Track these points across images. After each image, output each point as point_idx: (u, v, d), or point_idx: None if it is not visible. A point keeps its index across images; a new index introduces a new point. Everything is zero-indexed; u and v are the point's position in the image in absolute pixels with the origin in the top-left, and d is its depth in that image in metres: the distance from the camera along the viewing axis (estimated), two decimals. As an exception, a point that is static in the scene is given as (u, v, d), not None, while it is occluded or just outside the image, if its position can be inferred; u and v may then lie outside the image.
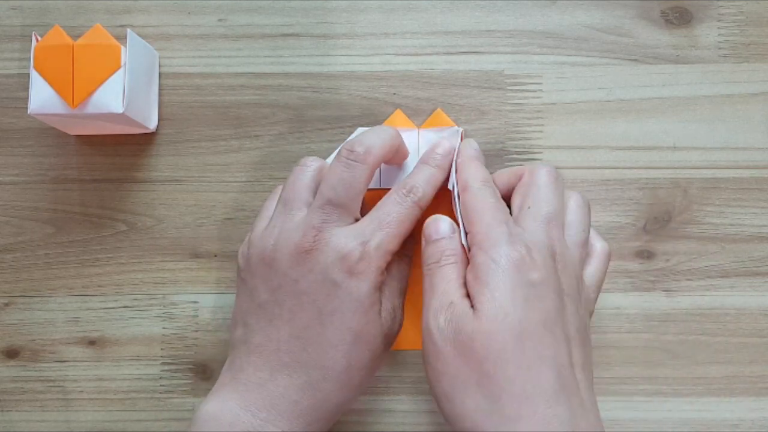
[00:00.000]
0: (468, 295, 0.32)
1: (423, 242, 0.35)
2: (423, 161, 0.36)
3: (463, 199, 0.34)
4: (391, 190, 0.35)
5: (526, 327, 0.30)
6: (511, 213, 0.34)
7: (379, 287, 0.34)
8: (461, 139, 0.37)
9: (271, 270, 0.33)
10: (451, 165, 0.36)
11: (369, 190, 0.38)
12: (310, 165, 0.35)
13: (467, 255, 0.33)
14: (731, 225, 0.40)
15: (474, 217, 0.33)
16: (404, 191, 0.34)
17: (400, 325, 0.35)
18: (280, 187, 0.37)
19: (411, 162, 0.38)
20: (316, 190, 0.35)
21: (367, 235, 0.33)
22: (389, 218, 0.34)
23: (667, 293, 0.39)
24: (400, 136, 0.37)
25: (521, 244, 0.31)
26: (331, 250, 0.33)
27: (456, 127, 0.39)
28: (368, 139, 0.34)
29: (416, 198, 0.34)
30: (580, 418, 0.30)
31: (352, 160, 0.34)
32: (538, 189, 0.34)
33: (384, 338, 0.34)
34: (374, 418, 0.39)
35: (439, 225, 0.34)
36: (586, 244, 0.34)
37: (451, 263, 0.33)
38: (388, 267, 0.35)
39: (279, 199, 0.35)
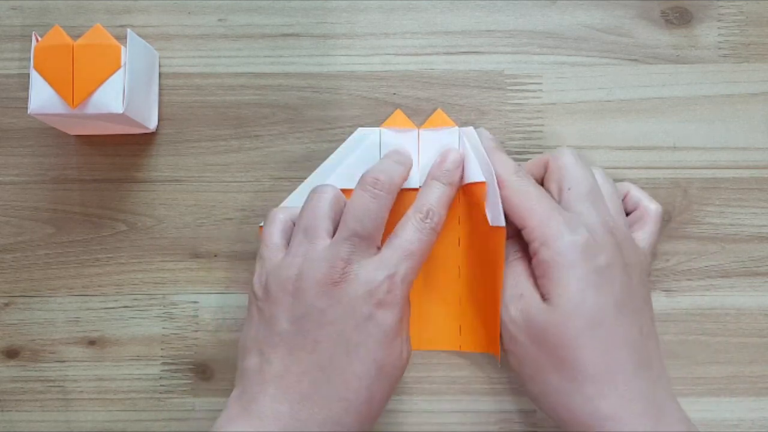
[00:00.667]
0: (537, 284, 0.34)
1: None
2: (434, 177, 0.37)
3: (504, 196, 0.35)
4: (407, 213, 0.35)
5: (598, 314, 0.32)
6: None
7: (404, 317, 0.34)
8: (466, 136, 0.38)
9: (294, 300, 0.33)
10: (461, 175, 0.37)
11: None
12: (327, 193, 0.35)
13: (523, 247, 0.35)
14: (731, 225, 0.40)
15: (524, 213, 0.34)
16: (421, 216, 0.35)
17: (410, 353, 0.35)
18: (275, 212, 0.36)
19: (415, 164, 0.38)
20: (334, 218, 0.34)
21: (393, 266, 0.33)
22: (413, 247, 0.34)
23: (667, 293, 0.39)
24: (411, 159, 0.38)
25: (581, 229, 0.32)
26: (360, 284, 0.32)
27: (455, 126, 0.39)
28: (390, 168, 0.35)
29: (434, 224, 0.35)
30: (658, 387, 0.32)
31: (378, 190, 0.34)
32: (570, 170, 0.35)
33: (401, 370, 0.34)
34: (374, 418, 0.39)
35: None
36: (623, 211, 0.36)
37: (516, 258, 0.36)
38: None
39: (298, 227, 0.35)
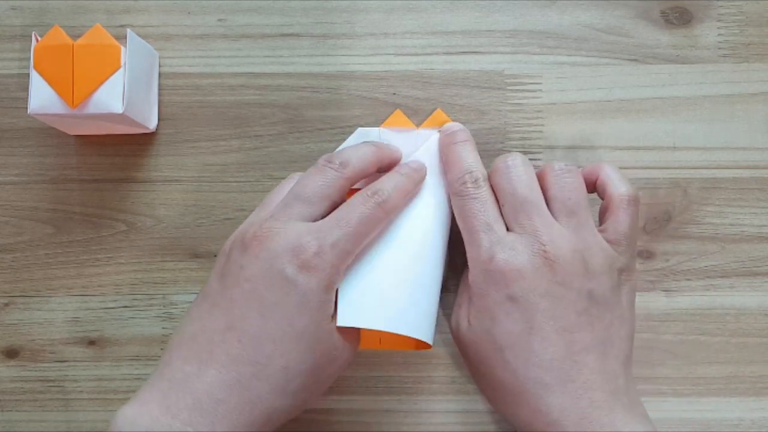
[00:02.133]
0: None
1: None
2: (394, 169, 0.36)
3: (452, 204, 0.35)
4: (356, 193, 0.34)
5: (508, 339, 0.32)
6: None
7: (332, 289, 0.32)
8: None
9: (226, 258, 0.33)
10: (422, 178, 0.36)
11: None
12: (294, 179, 0.35)
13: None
14: (731, 225, 0.40)
15: (460, 226, 0.34)
16: (369, 193, 0.33)
17: (356, 346, 0.34)
18: (289, 178, 0.36)
19: (405, 162, 0.38)
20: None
21: (325, 231, 0.32)
22: (350, 217, 0.32)
23: (667, 293, 0.39)
24: (384, 151, 0.36)
25: (500, 257, 0.32)
26: (282, 239, 0.31)
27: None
28: (346, 154, 0.34)
29: (380, 199, 0.33)
30: (581, 399, 0.31)
31: (328, 167, 0.33)
32: (499, 185, 0.34)
33: (333, 349, 0.32)
34: (374, 418, 0.39)
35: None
36: (580, 209, 0.33)
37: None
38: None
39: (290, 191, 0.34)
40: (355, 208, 0.33)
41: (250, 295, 0.31)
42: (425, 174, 0.36)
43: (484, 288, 0.32)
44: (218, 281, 0.32)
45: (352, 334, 0.34)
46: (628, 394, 0.32)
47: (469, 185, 0.34)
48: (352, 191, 0.36)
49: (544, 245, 0.32)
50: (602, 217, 0.36)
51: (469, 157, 0.35)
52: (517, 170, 0.34)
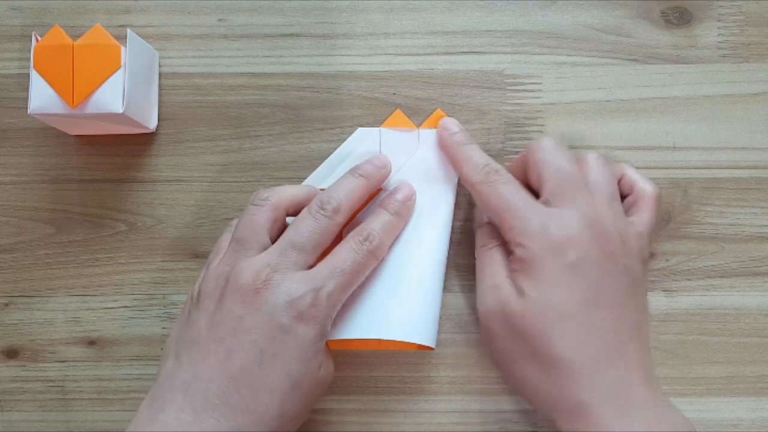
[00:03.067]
0: (511, 279, 0.34)
1: (474, 226, 0.38)
2: (382, 206, 0.36)
3: (477, 197, 0.35)
4: (348, 236, 0.35)
5: (568, 308, 0.32)
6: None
7: (325, 336, 0.33)
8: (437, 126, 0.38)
9: (217, 306, 0.32)
10: (411, 211, 0.37)
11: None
12: (265, 204, 0.34)
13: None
14: (731, 225, 0.40)
15: (496, 214, 0.34)
16: (361, 238, 0.34)
17: (331, 374, 0.35)
18: (235, 221, 0.36)
19: (405, 162, 0.38)
20: (272, 232, 0.34)
21: (320, 282, 0.32)
22: (344, 266, 0.33)
23: (667, 293, 0.39)
24: (371, 180, 0.36)
25: (553, 228, 0.33)
26: (281, 292, 0.32)
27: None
28: (337, 197, 0.34)
29: (372, 247, 0.34)
30: (633, 375, 0.32)
31: (322, 213, 0.34)
32: (547, 162, 0.34)
33: (321, 387, 0.34)
34: (374, 418, 0.39)
35: (481, 213, 0.37)
36: (616, 198, 0.35)
37: (496, 246, 0.36)
38: None
39: (233, 237, 0.34)
40: (348, 255, 0.34)
41: (249, 347, 0.31)
42: (414, 203, 0.37)
43: (542, 258, 0.33)
44: (210, 328, 0.32)
45: (329, 357, 0.35)
46: (653, 374, 0.34)
47: (493, 174, 0.35)
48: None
49: (592, 220, 0.33)
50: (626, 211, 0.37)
51: (481, 154, 0.36)
52: (561, 148, 0.35)
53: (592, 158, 0.35)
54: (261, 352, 0.31)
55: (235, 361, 0.31)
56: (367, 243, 0.34)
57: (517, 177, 0.36)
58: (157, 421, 0.31)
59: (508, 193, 0.34)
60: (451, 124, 0.37)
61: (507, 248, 0.35)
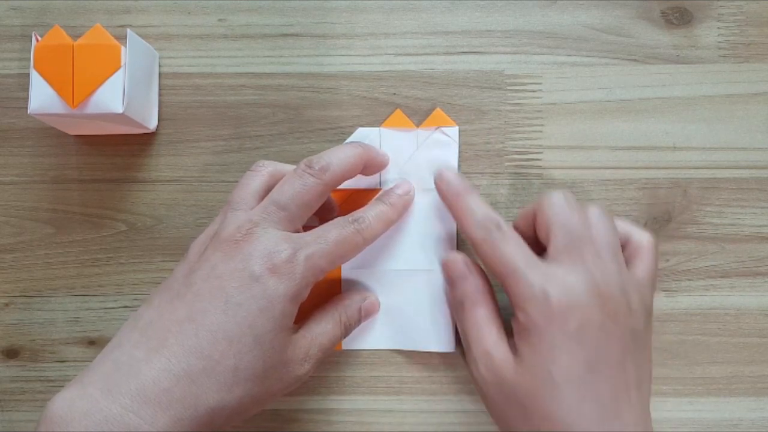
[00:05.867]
0: (503, 338, 0.33)
1: (446, 285, 0.36)
2: (378, 198, 0.37)
3: (477, 254, 0.34)
4: (338, 218, 0.35)
5: (567, 376, 0.31)
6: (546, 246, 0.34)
7: (298, 301, 0.32)
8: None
9: (198, 258, 0.33)
10: (407, 205, 0.37)
11: (361, 189, 0.39)
12: (261, 170, 0.35)
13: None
14: (731, 225, 0.40)
15: (499, 275, 0.33)
16: (350, 219, 0.34)
17: (307, 375, 0.34)
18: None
19: (405, 162, 0.38)
20: (263, 196, 0.35)
21: (301, 242, 0.32)
22: (328, 235, 0.33)
23: (667, 293, 0.39)
24: (369, 152, 0.36)
25: (554, 294, 0.31)
26: (259, 244, 0.32)
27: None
28: (327, 157, 0.34)
29: (360, 227, 0.34)
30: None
31: (307, 173, 0.34)
32: (555, 219, 0.33)
33: (284, 363, 0.32)
34: (374, 418, 0.39)
35: (456, 266, 0.35)
36: (618, 251, 0.34)
37: (476, 305, 0.34)
38: (318, 317, 0.35)
39: (227, 201, 0.35)
40: (334, 228, 0.34)
41: (217, 292, 0.31)
42: (412, 198, 0.37)
43: (542, 325, 0.31)
44: (186, 276, 0.33)
45: (309, 359, 0.34)
46: (650, 425, 0.33)
47: (494, 231, 0.33)
48: (337, 192, 0.37)
49: (597, 281, 0.32)
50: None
51: (483, 205, 0.34)
52: (571, 205, 0.33)
53: (594, 214, 0.34)
54: (227, 299, 0.31)
55: (198, 304, 0.31)
56: (356, 223, 0.34)
57: (524, 228, 0.35)
58: (109, 358, 0.30)
59: (510, 254, 0.33)
60: (448, 173, 0.36)
61: (489, 301, 0.34)
